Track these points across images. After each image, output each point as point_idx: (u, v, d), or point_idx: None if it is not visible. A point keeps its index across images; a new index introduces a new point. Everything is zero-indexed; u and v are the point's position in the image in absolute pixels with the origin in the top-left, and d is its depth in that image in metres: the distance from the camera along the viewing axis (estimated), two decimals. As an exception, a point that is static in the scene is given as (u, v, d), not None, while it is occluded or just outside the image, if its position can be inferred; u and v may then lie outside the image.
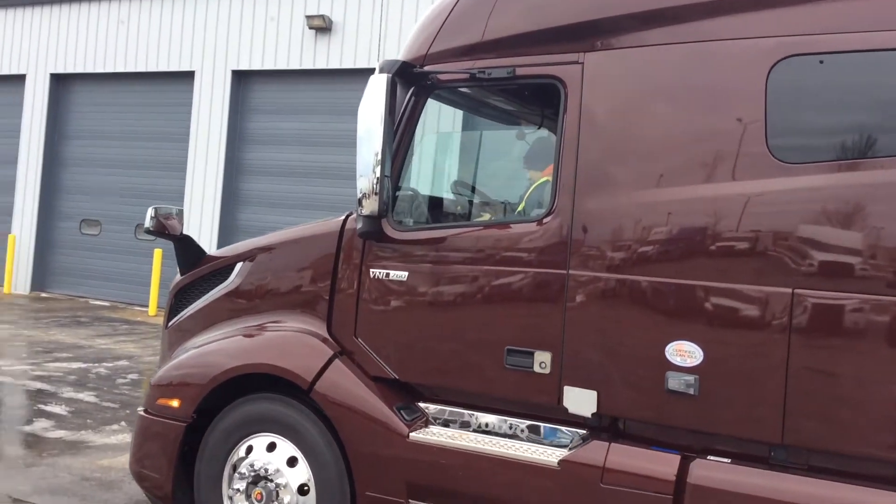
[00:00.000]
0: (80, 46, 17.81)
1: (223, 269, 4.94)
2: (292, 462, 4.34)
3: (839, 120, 3.51)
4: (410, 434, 4.08)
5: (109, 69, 17.42)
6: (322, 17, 14.92)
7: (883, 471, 3.32)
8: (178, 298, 5.15)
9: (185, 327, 5.00)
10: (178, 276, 5.17)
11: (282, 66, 15.51)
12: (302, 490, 4.30)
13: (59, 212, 18.24)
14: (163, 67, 16.78)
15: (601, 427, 3.86)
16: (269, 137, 15.73)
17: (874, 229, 3.31)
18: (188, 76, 16.46)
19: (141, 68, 17.04)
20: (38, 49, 18.34)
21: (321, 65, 15.06)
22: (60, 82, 18.25)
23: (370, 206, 4.04)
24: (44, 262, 18.18)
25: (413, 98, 4.30)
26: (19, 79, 18.55)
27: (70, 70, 17.97)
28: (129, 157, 17.22)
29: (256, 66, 15.80)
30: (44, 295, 17.77)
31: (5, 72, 18.81)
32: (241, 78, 16.11)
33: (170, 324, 5.16)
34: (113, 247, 17.12)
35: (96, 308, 16.25)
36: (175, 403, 4.60)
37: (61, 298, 17.41)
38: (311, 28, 15.08)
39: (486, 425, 4.14)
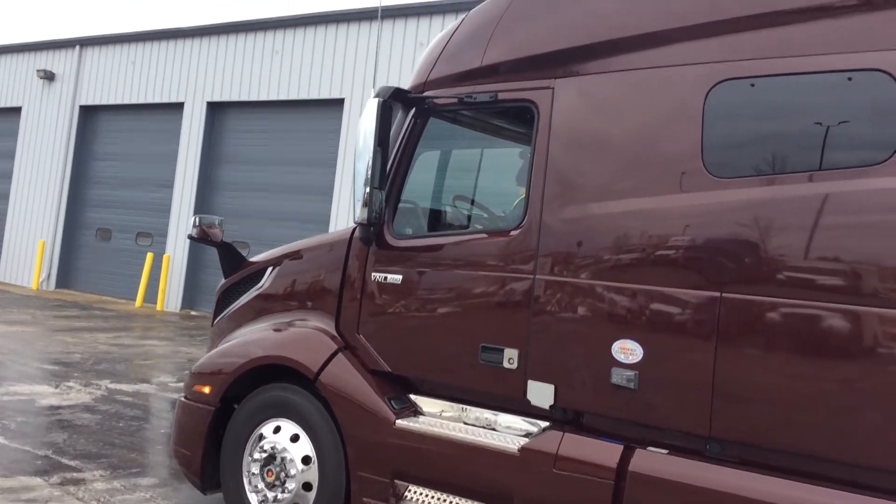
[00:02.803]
0: (235, 75, 18.61)
1: (257, 273, 5.47)
2: (300, 445, 4.77)
3: (767, 138, 3.76)
4: (397, 421, 4.48)
5: (263, 97, 18.13)
6: (472, 44, 14.99)
7: (806, 466, 3.51)
8: (222, 299, 5.68)
9: (227, 324, 5.53)
10: (223, 280, 5.69)
11: (430, 92, 15.66)
12: (306, 471, 4.75)
13: (210, 233, 18.94)
14: (314, 95, 17.31)
15: (566, 420, 4.18)
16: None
17: (793, 239, 3.54)
18: (337, 103, 16.90)
19: (293, 96, 17.63)
20: (196, 78, 19.30)
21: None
22: (216, 110, 19.12)
23: (362, 215, 4.50)
24: (194, 281, 18.95)
25: (412, 120, 4.77)
26: (178, 107, 19.58)
27: (225, 98, 18.81)
28: (277, 182, 17.82)
29: (404, 93, 16.01)
30: (193, 313, 18.48)
31: (165, 100, 19.88)
32: (389, 105, 16.35)
33: (215, 321, 5.70)
34: (260, 268, 17.64)
35: (243, 327, 16.69)
36: (206, 390, 5.17)
37: (209, 317, 17.97)
38: (460, 55, 15.17)
39: (469, 416, 4.52)
